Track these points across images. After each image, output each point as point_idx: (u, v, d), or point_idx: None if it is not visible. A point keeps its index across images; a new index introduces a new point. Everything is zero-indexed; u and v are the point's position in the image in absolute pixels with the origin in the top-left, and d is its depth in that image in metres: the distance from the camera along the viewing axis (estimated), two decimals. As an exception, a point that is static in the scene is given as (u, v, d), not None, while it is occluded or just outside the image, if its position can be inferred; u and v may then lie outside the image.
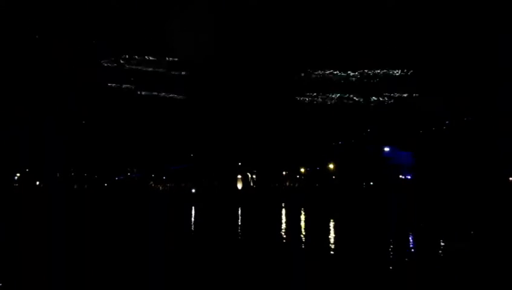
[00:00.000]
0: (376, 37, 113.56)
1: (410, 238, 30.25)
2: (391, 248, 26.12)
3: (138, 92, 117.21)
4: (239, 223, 42.29)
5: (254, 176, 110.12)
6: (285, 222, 42.86)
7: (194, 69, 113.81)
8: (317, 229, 35.35)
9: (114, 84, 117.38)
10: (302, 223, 41.64)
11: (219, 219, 47.20)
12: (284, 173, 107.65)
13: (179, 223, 41.45)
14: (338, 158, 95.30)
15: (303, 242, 27.99)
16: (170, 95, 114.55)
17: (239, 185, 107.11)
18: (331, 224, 40.25)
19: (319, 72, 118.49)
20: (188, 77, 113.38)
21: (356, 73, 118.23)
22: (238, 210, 60.15)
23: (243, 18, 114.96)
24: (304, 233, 32.72)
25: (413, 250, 26.00)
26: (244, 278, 17.51)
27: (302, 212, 55.24)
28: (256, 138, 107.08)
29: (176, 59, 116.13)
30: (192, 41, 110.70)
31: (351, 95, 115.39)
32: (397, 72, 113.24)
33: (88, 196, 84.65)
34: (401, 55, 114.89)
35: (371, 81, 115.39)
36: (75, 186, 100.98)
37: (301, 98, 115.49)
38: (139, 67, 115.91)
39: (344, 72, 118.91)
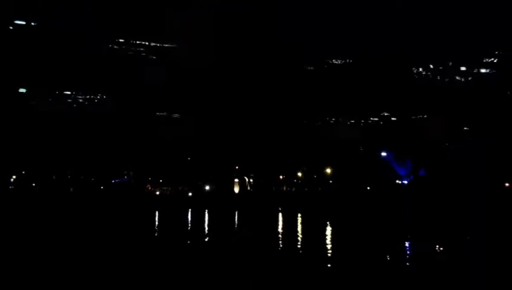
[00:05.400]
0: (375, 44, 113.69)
1: (406, 243, 30.19)
2: (387, 252, 26.10)
3: (135, 95, 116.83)
4: (235, 228, 42.15)
5: (251, 180, 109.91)
6: (282, 228, 42.73)
7: (193, 74, 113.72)
8: (313, 236, 35.20)
9: (110, 89, 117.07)
10: (299, 229, 41.50)
11: (215, 223, 47.04)
12: (281, 177, 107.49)
13: (176, 227, 41.23)
14: (335, 163, 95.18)
15: (299, 249, 27.88)
16: (168, 100, 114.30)
17: (236, 189, 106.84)
18: (328, 230, 40.13)
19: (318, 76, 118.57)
20: (186, 82, 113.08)
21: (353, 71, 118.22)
22: (234, 214, 59.97)
23: (242, 23, 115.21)
24: (300, 239, 32.60)
25: (408, 253, 26.02)
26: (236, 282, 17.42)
27: (299, 218, 55.13)
28: (254, 142, 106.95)
29: (175, 62, 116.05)
30: (192, 47, 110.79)
31: (349, 101, 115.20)
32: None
33: (84, 199, 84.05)
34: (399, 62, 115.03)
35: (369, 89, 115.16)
36: (71, 189, 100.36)
37: (298, 102, 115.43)
38: (137, 72, 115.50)
39: (342, 74, 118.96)
